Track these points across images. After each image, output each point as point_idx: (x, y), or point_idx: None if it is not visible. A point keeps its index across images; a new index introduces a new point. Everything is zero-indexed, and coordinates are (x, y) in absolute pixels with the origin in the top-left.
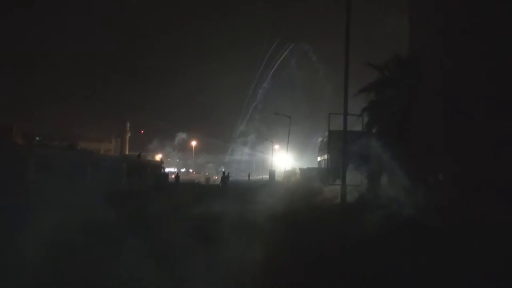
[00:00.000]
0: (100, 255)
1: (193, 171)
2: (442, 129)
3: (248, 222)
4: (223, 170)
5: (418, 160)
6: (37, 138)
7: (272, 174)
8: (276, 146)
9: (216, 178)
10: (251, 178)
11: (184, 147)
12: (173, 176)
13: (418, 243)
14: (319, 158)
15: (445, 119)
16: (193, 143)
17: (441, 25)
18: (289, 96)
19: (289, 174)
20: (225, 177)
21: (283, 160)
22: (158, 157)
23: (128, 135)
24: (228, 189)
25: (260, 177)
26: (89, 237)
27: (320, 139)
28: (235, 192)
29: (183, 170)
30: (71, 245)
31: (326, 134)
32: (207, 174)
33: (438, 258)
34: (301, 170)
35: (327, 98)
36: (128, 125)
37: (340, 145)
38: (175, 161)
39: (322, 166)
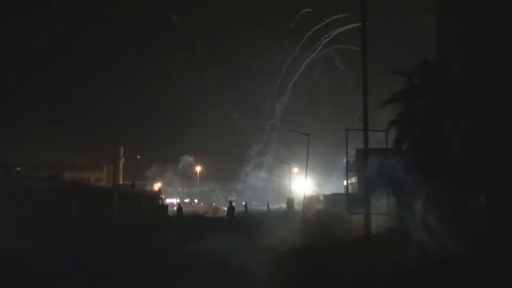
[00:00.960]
0: None
1: (198, 201)
2: (483, 144)
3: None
4: (232, 199)
5: (456, 182)
6: (18, 169)
7: (290, 202)
8: (295, 169)
9: (225, 209)
10: (261, 207)
11: (189, 173)
12: (174, 208)
13: None
14: (345, 182)
15: (485, 132)
16: (198, 168)
17: (472, 23)
18: (312, 111)
19: (311, 201)
20: (231, 208)
21: (304, 185)
22: (157, 186)
23: (122, 161)
24: (236, 222)
25: (277, 206)
26: None
27: (345, 159)
28: (244, 226)
29: (186, 200)
30: None
31: (354, 153)
32: (214, 204)
33: None
34: (325, 196)
35: (359, 112)
36: (122, 150)
37: (368, 166)
38: (178, 190)
39: (350, 191)
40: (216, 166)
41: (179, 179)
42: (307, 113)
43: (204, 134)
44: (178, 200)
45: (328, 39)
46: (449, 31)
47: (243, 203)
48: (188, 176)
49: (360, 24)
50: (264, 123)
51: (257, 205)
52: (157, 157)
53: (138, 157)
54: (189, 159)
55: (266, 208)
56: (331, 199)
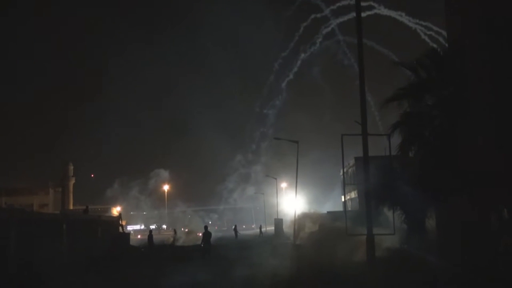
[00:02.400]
0: None
1: (167, 227)
2: (504, 149)
3: None
4: (207, 223)
5: (474, 193)
6: None
7: (278, 224)
8: (283, 185)
9: (200, 235)
10: (249, 232)
11: (160, 192)
12: (138, 236)
13: None
14: (343, 197)
15: (506, 134)
16: (166, 187)
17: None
18: (311, 115)
19: (303, 222)
20: (207, 234)
21: (296, 202)
22: (116, 210)
23: (73, 182)
24: (213, 252)
25: (263, 229)
26: None
27: (342, 171)
28: (225, 257)
29: (153, 227)
30: None
31: (352, 162)
32: (186, 230)
33: None
34: (322, 215)
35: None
36: (72, 168)
37: (370, 177)
38: (142, 214)
39: (349, 208)
40: (192, 184)
41: (146, 200)
42: (304, 118)
43: (177, 146)
44: (142, 226)
45: (329, 29)
46: (460, 16)
47: (233, 227)
48: (158, 196)
49: (367, 11)
50: (252, 131)
51: (245, 229)
52: (120, 174)
53: (92, 175)
54: (164, 173)
55: (256, 231)
56: (327, 218)
